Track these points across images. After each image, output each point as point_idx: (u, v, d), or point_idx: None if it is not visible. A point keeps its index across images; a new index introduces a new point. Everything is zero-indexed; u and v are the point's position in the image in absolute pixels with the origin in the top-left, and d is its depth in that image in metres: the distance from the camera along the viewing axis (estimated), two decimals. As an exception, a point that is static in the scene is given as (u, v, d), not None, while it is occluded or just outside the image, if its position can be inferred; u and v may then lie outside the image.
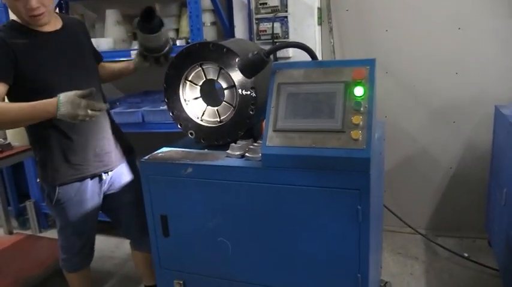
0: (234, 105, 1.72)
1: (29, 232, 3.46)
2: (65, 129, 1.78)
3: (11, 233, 3.23)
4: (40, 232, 3.52)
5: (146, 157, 1.73)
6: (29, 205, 3.47)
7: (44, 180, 1.87)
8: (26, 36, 1.71)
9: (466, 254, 2.70)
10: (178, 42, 2.75)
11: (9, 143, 2.50)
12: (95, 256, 3.07)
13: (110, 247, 3.14)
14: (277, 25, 2.75)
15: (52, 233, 3.47)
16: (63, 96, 1.56)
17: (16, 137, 2.54)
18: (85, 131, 1.82)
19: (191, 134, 1.81)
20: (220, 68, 1.71)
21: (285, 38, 2.77)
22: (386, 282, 2.33)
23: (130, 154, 2.07)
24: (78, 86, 1.64)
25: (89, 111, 1.58)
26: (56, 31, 1.80)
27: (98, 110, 1.62)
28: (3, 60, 1.64)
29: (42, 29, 1.75)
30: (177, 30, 3.16)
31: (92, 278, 2.24)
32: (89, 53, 1.95)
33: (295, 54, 2.72)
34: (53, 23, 1.80)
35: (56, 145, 1.80)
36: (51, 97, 1.59)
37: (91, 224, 2.00)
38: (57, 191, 1.83)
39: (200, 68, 1.76)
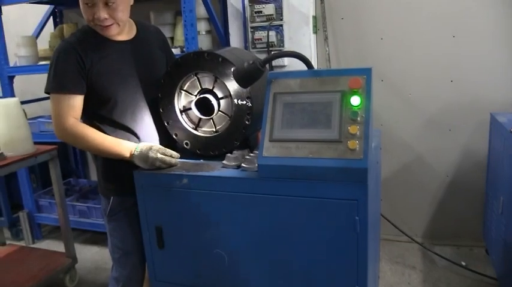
0: (229, 115, 1.71)
1: (22, 243, 3.43)
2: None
3: (3, 244, 3.20)
4: (33, 243, 3.48)
5: (141, 167, 1.70)
6: (22, 215, 3.43)
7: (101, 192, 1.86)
8: (98, 45, 1.68)
9: (463, 263, 2.69)
10: (173, 51, 2.74)
11: (1, 153, 2.46)
12: (89, 267, 3.07)
13: (104, 258, 3.10)
14: (272, 33, 2.76)
15: (46, 244, 3.44)
16: (141, 146, 1.67)
17: (9, 147, 2.51)
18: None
19: (186, 144, 1.79)
20: (216, 78, 1.70)
21: (280, 47, 2.77)
22: (384, 292, 2.32)
23: None
24: (144, 101, 1.76)
25: (159, 155, 1.64)
26: (128, 41, 1.75)
27: (169, 155, 1.67)
28: (77, 71, 1.63)
29: (114, 37, 1.72)
30: (172, 39, 3.16)
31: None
32: (161, 65, 1.87)
33: (290, 63, 2.72)
34: (126, 32, 1.76)
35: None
36: (114, 110, 1.71)
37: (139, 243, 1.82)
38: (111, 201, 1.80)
39: (195, 78, 1.75)
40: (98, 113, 1.72)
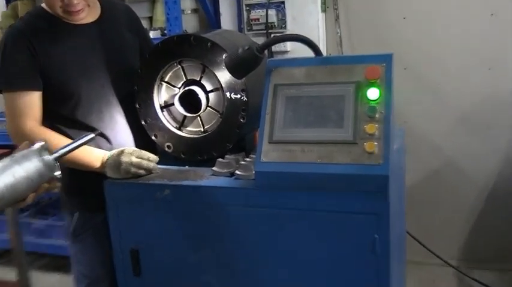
0: (220, 111, 1.72)
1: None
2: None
3: None
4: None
5: (113, 177, 1.72)
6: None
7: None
8: (53, 29, 1.69)
9: (508, 291, 2.70)
10: (152, 34, 2.75)
11: None
12: (49, 299, 3.07)
13: (68, 288, 3.10)
14: (272, 12, 2.77)
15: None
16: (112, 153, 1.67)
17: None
18: None
19: (168, 147, 1.80)
20: (204, 67, 1.71)
21: (281, 29, 2.79)
22: (411, 327, 2.32)
23: None
24: (113, 96, 1.78)
25: (133, 159, 1.63)
26: (91, 23, 1.77)
27: (146, 159, 1.67)
28: (28, 63, 1.64)
29: (75, 20, 1.72)
30: (150, 19, 3.17)
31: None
32: (134, 52, 1.89)
33: (294, 48, 2.74)
34: (89, 13, 1.76)
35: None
36: (78, 108, 1.72)
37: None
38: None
39: (179, 67, 1.76)
40: (59, 113, 1.73)
